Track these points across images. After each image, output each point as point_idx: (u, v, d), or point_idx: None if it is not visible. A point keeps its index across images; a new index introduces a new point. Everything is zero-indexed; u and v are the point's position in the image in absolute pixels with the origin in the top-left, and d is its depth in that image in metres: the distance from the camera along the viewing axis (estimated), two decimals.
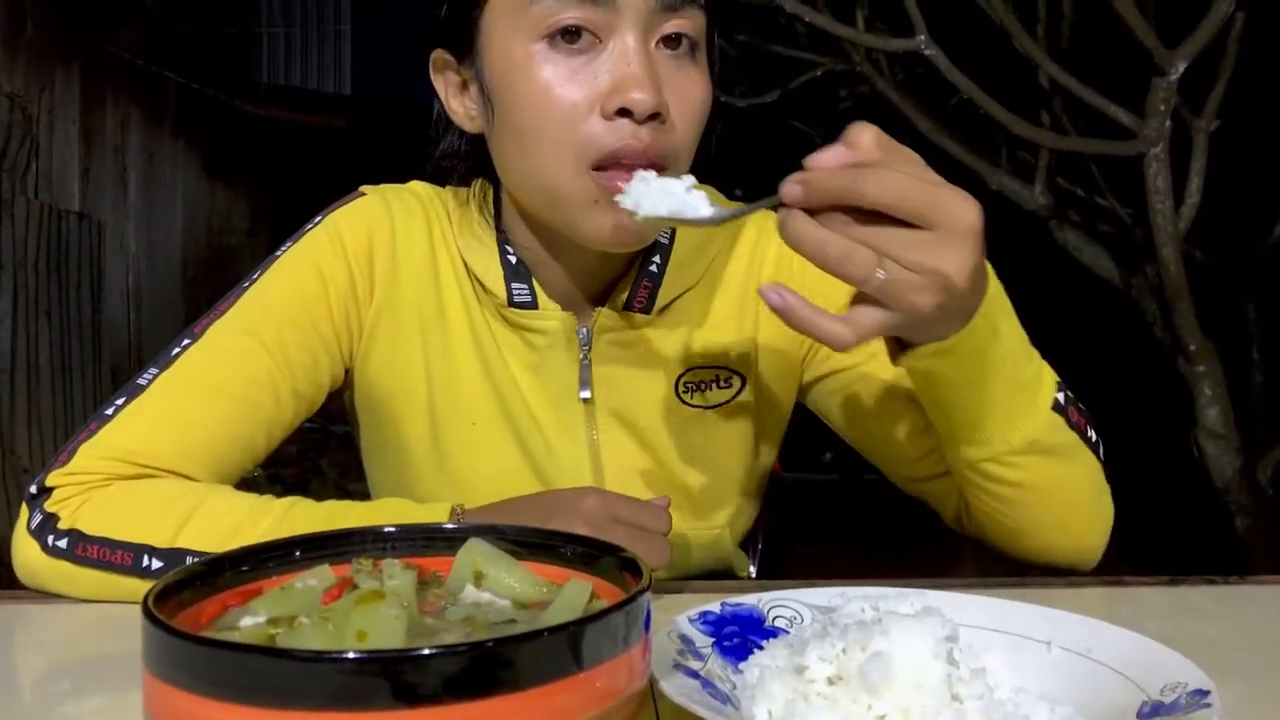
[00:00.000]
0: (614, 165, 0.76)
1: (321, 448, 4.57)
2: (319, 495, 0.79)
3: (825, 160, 0.61)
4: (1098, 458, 0.81)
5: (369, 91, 6.32)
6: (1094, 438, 0.80)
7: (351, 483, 4.18)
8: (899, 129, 2.96)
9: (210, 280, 4.68)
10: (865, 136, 0.61)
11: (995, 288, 0.70)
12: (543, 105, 0.76)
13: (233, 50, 5.32)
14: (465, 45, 0.83)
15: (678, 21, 0.77)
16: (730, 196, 0.99)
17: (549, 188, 0.79)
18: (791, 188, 0.61)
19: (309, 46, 6.55)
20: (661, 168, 0.75)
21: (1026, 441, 0.74)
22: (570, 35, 0.76)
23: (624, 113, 0.75)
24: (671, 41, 0.78)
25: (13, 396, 3.54)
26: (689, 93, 0.78)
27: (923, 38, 2.21)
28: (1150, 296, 2.48)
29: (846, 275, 0.61)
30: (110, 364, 4.10)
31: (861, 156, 0.60)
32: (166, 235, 4.52)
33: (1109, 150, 2.27)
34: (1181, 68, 2.06)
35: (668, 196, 0.67)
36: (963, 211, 0.61)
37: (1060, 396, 0.76)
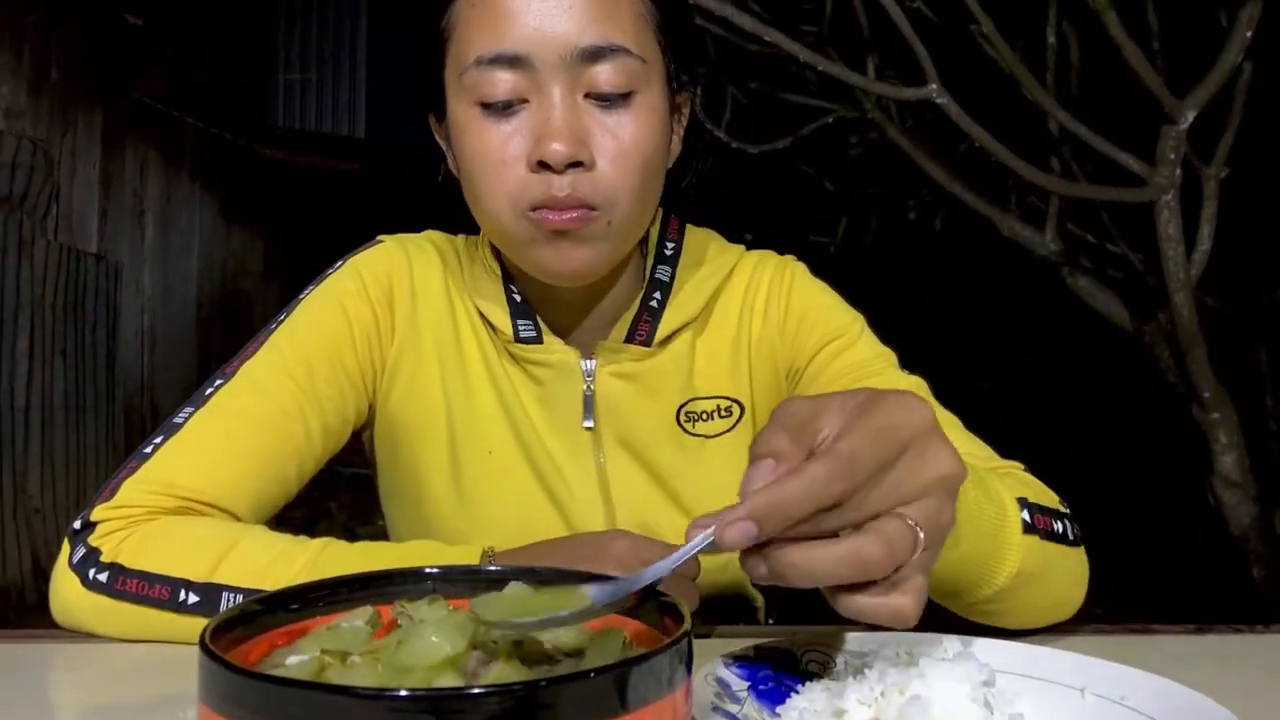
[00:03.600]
0: (544, 206, 0.81)
1: (330, 489, 4.58)
2: (327, 537, 0.81)
3: (759, 480, 0.48)
4: (1069, 542, 0.77)
5: (383, 136, 6.41)
6: (1060, 528, 0.76)
7: (360, 524, 4.19)
8: (909, 176, 2.99)
9: (224, 322, 4.72)
10: (781, 441, 0.49)
11: None
12: (480, 163, 0.83)
13: (251, 96, 5.40)
14: (440, 108, 0.88)
15: (603, 71, 0.80)
16: (739, 240, 1.02)
17: (498, 230, 0.85)
18: (740, 530, 0.46)
19: (325, 92, 6.66)
20: (591, 208, 0.81)
21: (1010, 578, 0.69)
22: (500, 102, 0.81)
23: (545, 164, 0.80)
24: (601, 93, 0.81)
25: (26, 435, 3.56)
26: (621, 136, 0.81)
27: (934, 86, 2.24)
28: (1163, 343, 2.48)
29: (895, 562, 0.48)
30: (123, 404, 4.13)
31: (787, 462, 0.48)
32: (182, 277, 4.56)
33: (1120, 198, 2.29)
34: (1191, 116, 2.09)
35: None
36: (912, 416, 0.50)
37: (1025, 516, 0.71)
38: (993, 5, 2.27)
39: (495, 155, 0.81)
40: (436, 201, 0.98)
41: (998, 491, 0.69)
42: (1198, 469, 2.42)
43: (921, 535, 0.49)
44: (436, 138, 0.93)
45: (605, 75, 0.80)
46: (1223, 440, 2.33)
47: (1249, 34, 2.05)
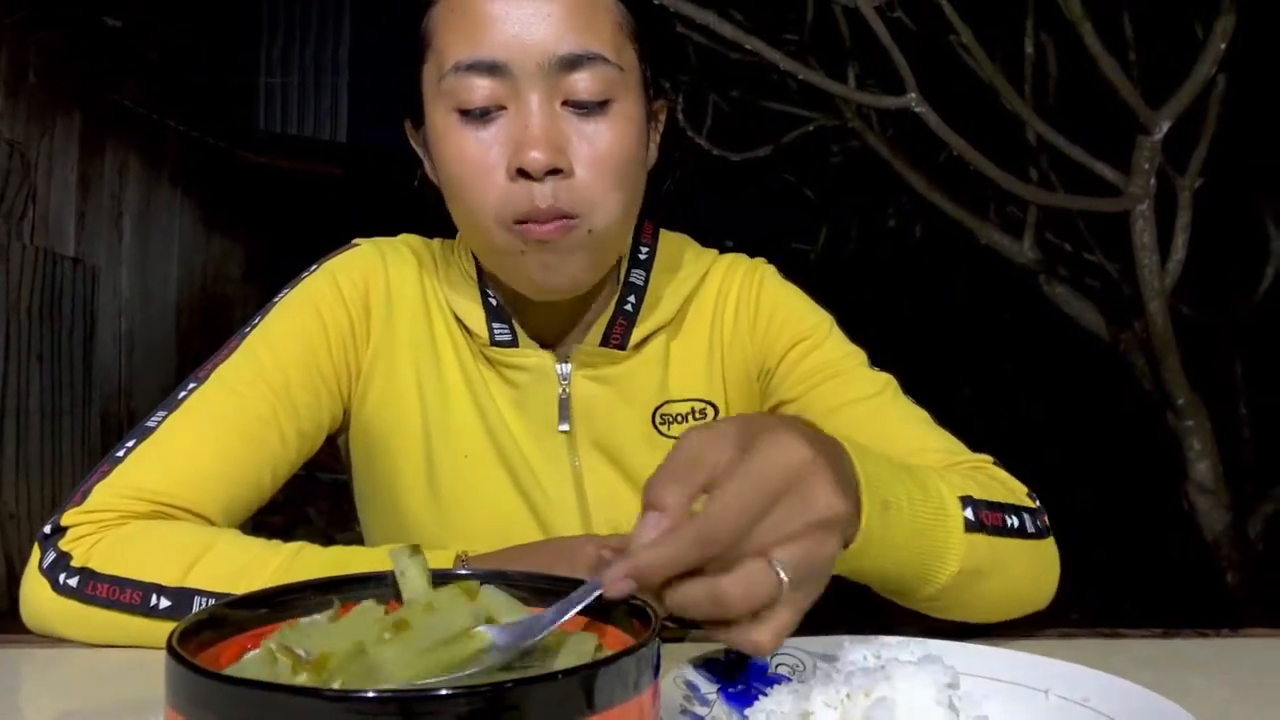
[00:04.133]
0: (528, 220, 0.81)
1: (308, 495, 4.56)
2: (302, 541, 0.80)
3: (644, 538, 0.50)
4: (1027, 535, 0.77)
5: (365, 140, 6.40)
6: (1014, 523, 0.76)
7: (339, 531, 4.16)
8: (889, 184, 3.01)
9: (203, 327, 4.69)
10: (669, 493, 0.51)
11: (858, 450, 0.62)
12: (461, 171, 0.83)
13: (232, 99, 5.38)
14: (419, 113, 0.88)
15: (581, 78, 0.81)
16: (721, 247, 1.02)
17: (482, 240, 0.86)
18: (622, 587, 0.49)
19: (307, 96, 6.64)
20: (572, 217, 0.81)
21: (951, 576, 0.70)
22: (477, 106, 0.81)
23: (524, 173, 0.80)
24: (579, 100, 0.82)
25: (1, 440, 3.53)
26: (598, 144, 0.82)
27: (913, 95, 2.25)
28: (1138, 351, 2.51)
29: (752, 606, 0.51)
30: (100, 409, 4.09)
31: (672, 515, 0.51)
32: (161, 281, 4.54)
33: (1096, 207, 2.31)
34: (1165, 127, 2.11)
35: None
36: (788, 461, 0.52)
37: (968, 514, 0.71)
38: (972, 16, 2.29)
39: (475, 164, 0.82)
40: (418, 206, 0.98)
41: (938, 490, 0.70)
42: (1172, 476, 2.45)
43: (784, 578, 0.51)
44: (412, 143, 0.93)
45: (583, 83, 0.81)
46: (1196, 447, 2.36)
47: (1223, 46, 2.07)
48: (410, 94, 0.89)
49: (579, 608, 0.49)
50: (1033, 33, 2.52)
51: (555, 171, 0.80)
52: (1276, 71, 2.34)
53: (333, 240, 1.00)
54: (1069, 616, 0.88)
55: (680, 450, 0.53)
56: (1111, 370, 2.70)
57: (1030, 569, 0.79)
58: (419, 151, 0.93)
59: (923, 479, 0.69)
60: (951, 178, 2.73)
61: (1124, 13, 2.38)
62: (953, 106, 2.32)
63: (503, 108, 0.81)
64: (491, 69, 0.80)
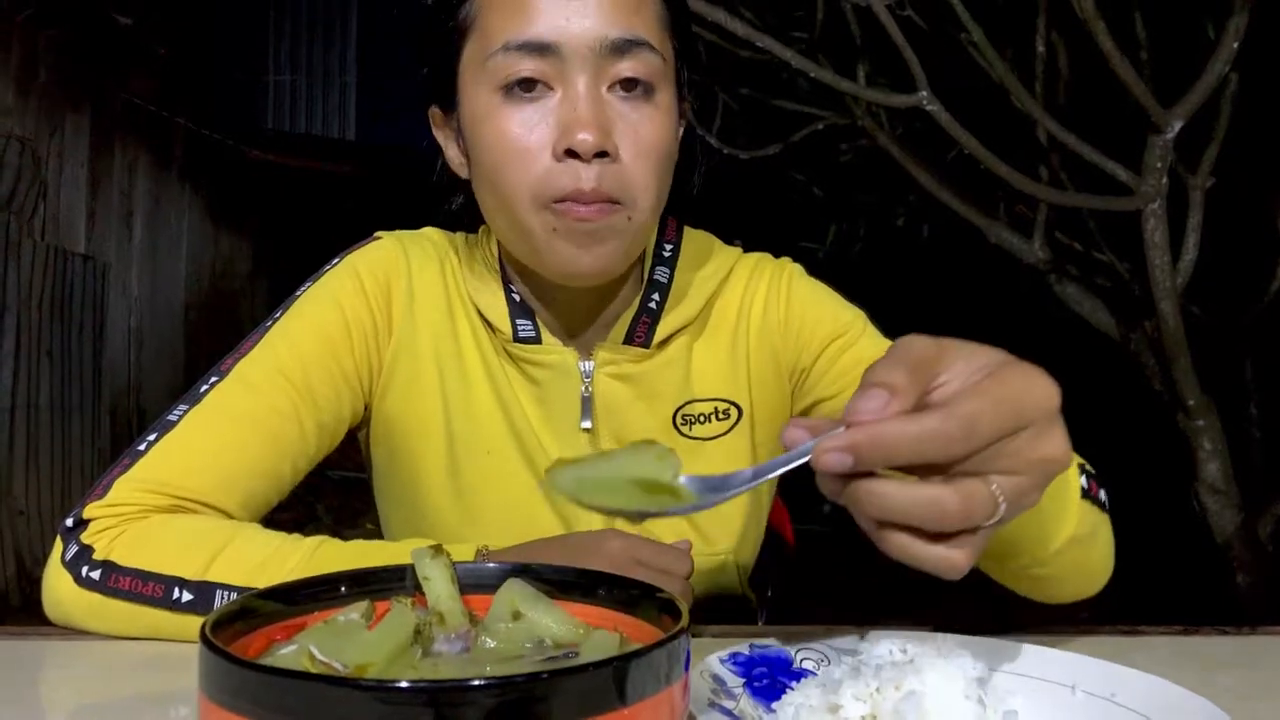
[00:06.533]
0: (570, 199, 0.81)
1: (318, 492, 4.57)
2: (321, 535, 0.81)
3: (867, 411, 0.47)
4: (1107, 510, 0.80)
5: (373, 138, 6.41)
6: (1105, 499, 0.78)
7: (347, 527, 4.18)
8: (898, 183, 3.01)
9: (212, 323, 4.70)
10: (899, 376, 0.48)
11: None
12: (502, 151, 0.82)
13: (241, 97, 5.39)
14: (449, 98, 0.88)
15: (628, 65, 0.81)
16: (729, 244, 1.02)
17: (515, 223, 0.85)
18: (835, 459, 0.47)
19: (315, 94, 6.65)
20: (615, 202, 0.81)
21: (1065, 541, 0.71)
22: (524, 85, 0.81)
23: (572, 153, 0.80)
24: (626, 84, 0.82)
25: (11, 436, 3.54)
26: (642, 131, 0.82)
27: (924, 93, 2.25)
28: (1149, 350, 2.50)
29: (968, 524, 0.48)
30: (110, 405, 4.11)
31: (901, 399, 0.47)
32: (170, 278, 4.55)
33: (1107, 206, 2.30)
34: (1178, 126, 2.11)
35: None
36: (1042, 396, 0.50)
37: (1083, 481, 0.73)
38: (983, 14, 2.29)
39: (518, 142, 0.81)
40: (427, 205, 0.97)
41: None
42: (1182, 476, 2.44)
43: (1003, 508, 0.48)
44: (435, 133, 0.93)
45: (632, 68, 0.82)
46: (1207, 447, 2.35)
47: (1236, 45, 2.06)
48: (441, 80, 0.88)
49: (783, 470, 0.49)
50: (1044, 31, 2.51)
51: (602, 155, 0.80)
52: None
53: (341, 237, 0.99)
54: (1079, 615, 0.89)
55: (909, 347, 0.50)
56: (1122, 370, 2.69)
57: (1108, 544, 0.81)
58: (441, 140, 0.92)
59: None
60: (961, 177, 2.73)
61: (1136, 11, 2.38)
62: (963, 105, 2.31)
63: (549, 89, 0.81)
64: (542, 49, 0.80)
